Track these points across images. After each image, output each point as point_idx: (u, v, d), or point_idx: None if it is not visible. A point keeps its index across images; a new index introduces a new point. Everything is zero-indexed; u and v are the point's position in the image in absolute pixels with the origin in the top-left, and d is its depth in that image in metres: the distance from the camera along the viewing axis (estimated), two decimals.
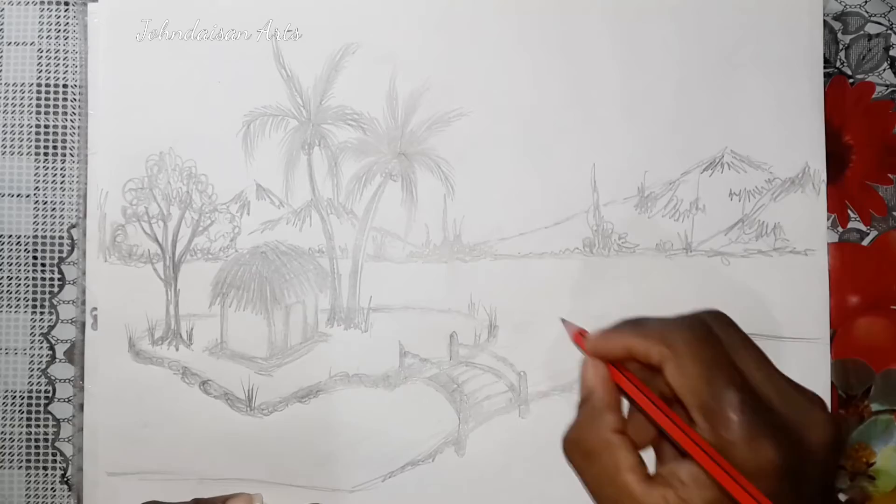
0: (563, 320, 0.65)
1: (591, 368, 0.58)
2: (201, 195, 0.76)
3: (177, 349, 0.76)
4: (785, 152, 0.77)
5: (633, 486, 0.52)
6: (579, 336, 0.61)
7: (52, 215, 0.76)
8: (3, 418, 0.75)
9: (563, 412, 0.75)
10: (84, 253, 0.75)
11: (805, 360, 0.76)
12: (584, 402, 0.57)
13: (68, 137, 0.76)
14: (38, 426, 0.75)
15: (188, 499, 0.66)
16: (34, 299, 0.76)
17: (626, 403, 0.58)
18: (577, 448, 0.56)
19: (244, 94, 0.76)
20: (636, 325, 0.56)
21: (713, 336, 0.53)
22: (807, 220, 0.77)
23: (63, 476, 0.75)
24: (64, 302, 0.76)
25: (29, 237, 0.76)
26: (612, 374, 0.57)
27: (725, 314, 0.56)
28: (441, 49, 0.77)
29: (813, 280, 0.77)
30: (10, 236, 0.76)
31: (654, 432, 0.58)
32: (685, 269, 0.77)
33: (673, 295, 0.77)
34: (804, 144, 0.77)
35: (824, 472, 0.52)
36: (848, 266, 0.78)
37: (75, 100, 0.76)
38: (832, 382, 0.77)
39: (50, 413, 0.75)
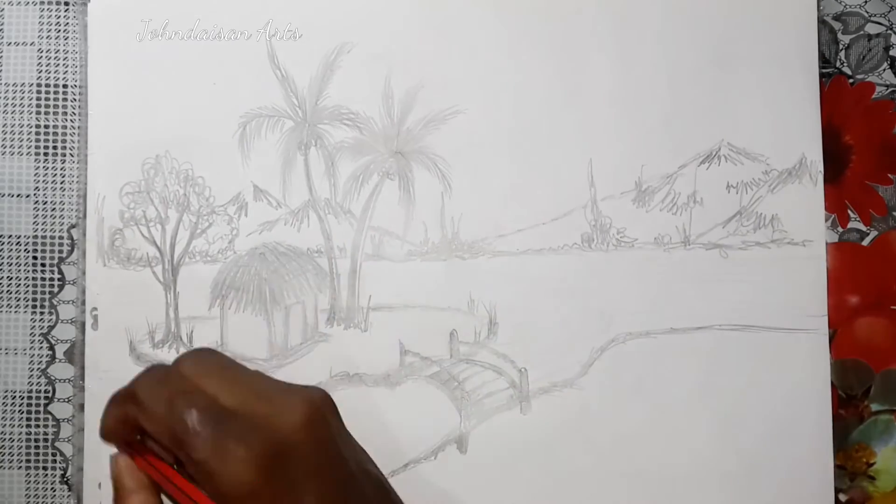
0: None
1: (112, 465, 0.55)
2: (199, 197, 0.76)
3: (177, 352, 0.75)
4: (781, 144, 0.77)
5: None
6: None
7: (52, 215, 0.76)
8: (3, 418, 0.75)
9: (565, 408, 0.76)
10: (84, 253, 0.75)
11: (805, 356, 0.76)
12: (115, 500, 0.54)
13: (68, 137, 0.76)
14: (38, 426, 0.75)
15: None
16: (34, 299, 0.76)
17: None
18: None
19: (239, 95, 0.76)
20: (112, 402, 0.54)
21: (172, 376, 0.52)
22: (804, 211, 0.77)
23: (63, 476, 0.75)
24: (64, 302, 0.76)
25: (29, 237, 0.76)
26: (137, 463, 0.54)
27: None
28: (436, 47, 0.77)
29: (811, 271, 0.77)
30: (10, 236, 0.76)
31: None
32: (684, 263, 0.77)
33: (672, 288, 0.77)
34: (800, 135, 0.77)
35: (316, 449, 0.51)
36: (848, 266, 0.78)
37: (75, 100, 0.77)
38: (832, 382, 0.76)
39: (50, 413, 0.75)
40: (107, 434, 0.54)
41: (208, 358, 0.54)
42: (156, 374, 0.53)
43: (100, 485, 0.74)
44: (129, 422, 0.52)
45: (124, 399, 0.53)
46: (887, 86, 0.79)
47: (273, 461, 0.48)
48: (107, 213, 0.76)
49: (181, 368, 0.53)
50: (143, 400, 0.51)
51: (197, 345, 0.75)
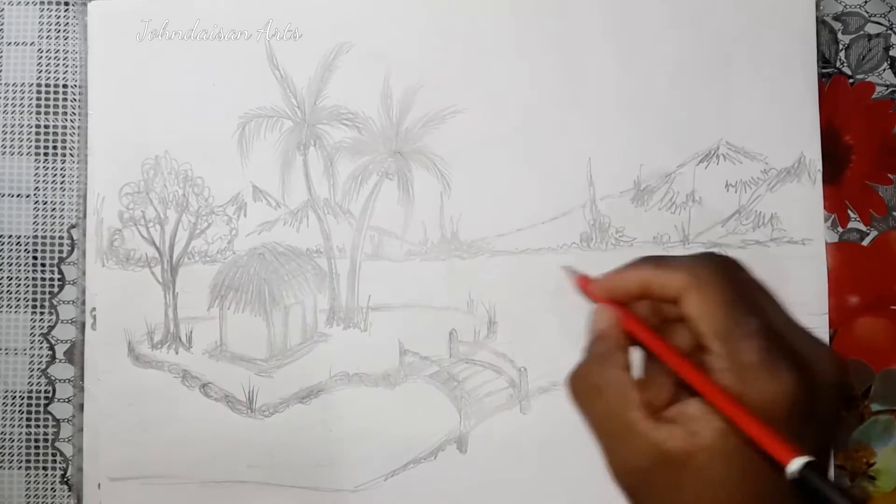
0: (564, 268, 0.63)
1: (600, 313, 0.56)
2: (198, 198, 0.76)
3: (176, 352, 0.76)
4: (780, 142, 0.77)
5: (640, 422, 0.50)
6: (584, 281, 0.59)
7: (52, 215, 0.76)
8: (3, 418, 0.75)
9: (564, 407, 0.75)
10: (84, 253, 0.76)
11: None
12: (593, 344, 0.55)
13: (68, 137, 0.77)
14: (38, 426, 0.76)
15: None
16: (34, 299, 0.76)
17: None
18: (584, 383, 0.54)
19: (238, 95, 0.77)
20: (653, 260, 0.54)
21: (735, 272, 0.52)
22: (803, 209, 0.77)
23: (63, 476, 0.75)
24: (64, 302, 0.76)
25: (29, 237, 0.76)
26: (623, 319, 0.55)
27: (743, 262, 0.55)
28: (435, 46, 0.77)
29: (810, 270, 0.77)
30: (10, 236, 0.76)
31: (670, 392, 0.56)
32: None
33: None
34: (799, 134, 0.77)
35: (829, 413, 0.50)
36: (848, 266, 0.78)
37: (75, 100, 0.77)
38: None
39: (50, 413, 0.76)
40: (615, 287, 0.55)
41: (746, 269, 0.54)
42: (713, 261, 0.52)
43: (99, 485, 0.74)
44: (652, 283, 0.53)
45: (667, 265, 0.53)
46: (887, 86, 0.79)
47: (804, 406, 0.48)
48: (106, 214, 0.76)
49: (737, 271, 0.53)
50: (699, 275, 0.51)
51: (196, 346, 0.76)
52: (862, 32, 0.79)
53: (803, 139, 0.77)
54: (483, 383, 0.76)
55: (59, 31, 0.77)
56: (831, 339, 0.77)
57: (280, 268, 0.76)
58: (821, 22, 0.78)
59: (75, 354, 0.75)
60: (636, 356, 0.54)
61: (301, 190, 0.77)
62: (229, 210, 0.76)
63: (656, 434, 0.49)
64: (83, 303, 0.75)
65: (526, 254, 0.76)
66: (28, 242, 0.76)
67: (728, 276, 0.51)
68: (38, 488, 0.75)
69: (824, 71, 0.78)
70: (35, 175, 0.76)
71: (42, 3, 0.77)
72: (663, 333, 0.54)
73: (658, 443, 0.49)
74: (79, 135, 0.76)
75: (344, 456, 0.75)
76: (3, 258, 0.76)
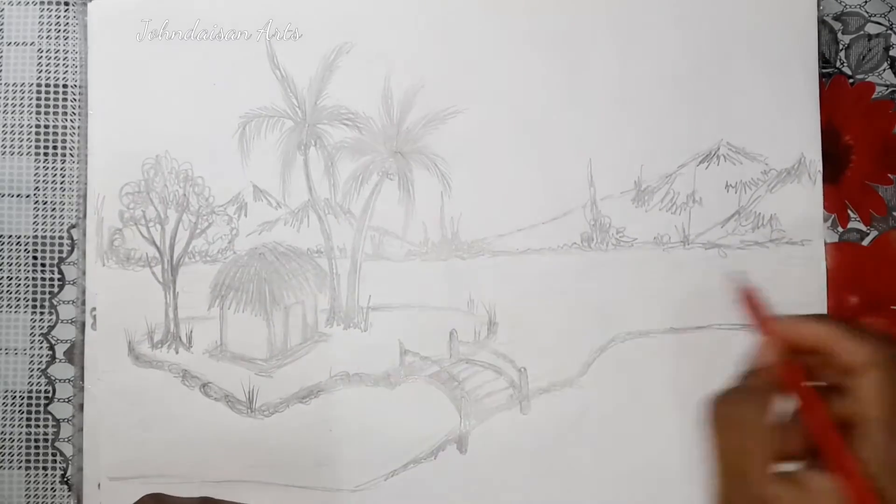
0: (733, 275, 0.61)
1: (768, 348, 0.55)
2: (198, 198, 0.76)
3: (177, 352, 0.76)
4: (780, 143, 0.77)
5: (762, 470, 0.50)
6: (751, 297, 0.58)
7: (52, 215, 0.76)
8: (3, 418, 0.75)
9: (564, 407, 0.76)
10: (84, 253, 0.76)
11: None
12: (748, 376, 0.55)
13: (68, 137, 0.77)
14: (38, 426, 0.75)
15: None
16: (34, 299, 0.76)
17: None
18: (727, 413, 0.53)
19: (239, 95, 0.77)
20: (839, 323, 0.53)
21: None
22: (803, 210, 0.77)
23: (63, 476, 0.75)
24: (64, 302, 0.76)
25: (29, 237, 0.76)
26: (787, 366, 0.54)
27: None
28: (435, 46, 0.77)
29: (810, 271, 0.77)
30: (10, 236, 0.76)
31: (802, 447, 0.55)
32: (683, 262, 0.77)
33: (671, 288, 0.77)
34: (799, 135, 0.77)
35: None
36: (848, 266, 0.78)
37: (75, 100, 0.77)
38: None
39: (50, 413, 0.76)
40: (792, 333, 0.55)
41: None
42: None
43: (99, 485, 0.74)
44: (834, 345, 0.52)
45: (856, 334, 0.52)
46: (887, 86, 0.79)
47: None
48: (106, 214, 0.76)
49: None
50: (887, 357, 0.50)
51: (196, 346, 0.76)
52: (862, 32, 0.79)
53: (803, 140, 0.77)
54: (483, 383, 0.76)
55: (59, 31, 0.77)
56: None
57: (280, 268, 0.76)
58: (821, 22, 0.78)
59: (75, 354, 0.75)
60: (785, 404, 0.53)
61: (302, 190, 0.77)
62: (230, 210, 0.76)
63: (774, 488, 0.49)
64: (83, 303, 0.75)
65: (526, 254, 0.76)
66: (28, 242, 0.76)
67: None
68: (38, 488, 0.75)
69: (824, 71, 0.78)
70: (35, 175, 0.76)
71: (42, 3, 0.77)
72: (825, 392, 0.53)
73: (771, 499, 0.49)
74: (79, 135, 0.76)
75: (344, 456, 0.75)
76: (3, 258, 0.76)
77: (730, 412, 0.53)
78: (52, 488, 0.75)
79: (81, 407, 0.75)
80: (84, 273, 0.75)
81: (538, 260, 0.76)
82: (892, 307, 0.78)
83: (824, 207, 0.77)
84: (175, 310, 0.76)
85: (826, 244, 0.77)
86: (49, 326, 0.76)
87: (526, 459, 0.75)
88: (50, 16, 0.77)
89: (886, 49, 0.79)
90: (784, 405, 0.53)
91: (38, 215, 0.76)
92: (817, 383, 0.53)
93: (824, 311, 0.76)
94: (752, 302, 0.58)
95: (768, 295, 0.76)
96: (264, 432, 0.75)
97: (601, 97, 0.77)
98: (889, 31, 0.79)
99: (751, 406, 0.52)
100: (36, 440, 0.75)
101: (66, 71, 0.77)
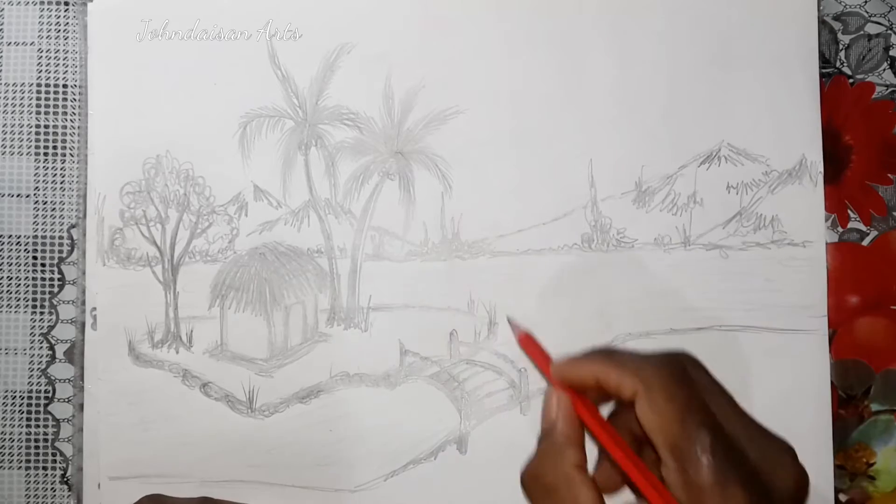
0: (509, 319, 0.65)
1: (553, 399, 0.56)
2: (199, 197, 0.76)
3: (177, 352, 0.76)
4: (782, 144, 0.77)
5: None
6: (526, 339, 0.61)
7: (52, 215, 0.76)
8: (3, 418, 0.75)
9: None
10: (84, 253, 0.75)
11: (805, 356, 0.76)
12: (546, 436, 0.56)
13: (68, 137, 0.77)
14: (38, 426, 0.75)
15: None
16: (34, 299, 0.76)
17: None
18: (536, 483, 0.55)
19: (240, 95, 0.77)
20: (608, 356, 0.55)
21: (687, 376, 0.52)
22: (804, 212, 0.77)
23: (63, 476, 0.75)
24: (64, 302, 0.76)
25: (29, 237, 0.76)
26: (575, 406, 0.55)
27: (697, 358, 0.55)
28: (436, 47, 0.77)
29: (811, 272, 0.77)
30: (10, 236, 0.76)
31: (621, 482, 0.56)
32: (684, 263, 0.77)
33: (672, 289, 0.77)
34: (801, 136, 0.77)
35: None
36: (848, 266, 0.78)
37: (75, 100, 0.77)
38: (832, 382, 0.76)
39: (50, 413, 0.76)
40: (570, 376, 0.56)
41: (704, 370, 0.55)
42: (668, 365, 0.53)
43: (99, 485, 0.74)
44: (605, 381, 0.53)
45: (620, 366, 0.53)
46: (887, 86, 0.79)
47: None
48: (107, 213, 0.76)
49: (690, 372, 0.53)
50: (651, 382, 0.51)
51: (197, 346, 0.76)
52: (862, 32, 0.79)
53: (804, 141, 0.77)
54: (483, 384, 0.76)
55: (59, 31, 0.77)
56: (831, 339, 0.77)
57: (281, 267, 0.76)
58: (821, 22, 0.78)
59: (75, 354, 0.75)
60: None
61: (302, 190, 0.76)
62: (230, 209, 0.76)
63: None
64: (83, 303, 0.75)
65: (527, 255, 0.76)
66: (28, 242, 0.76)
67: (680, 381, 0.52)
68: (38, 488, 0.75)
69: (824, 71, 0.78)
70: (35, 175, 0.76)
71: (42, 3, 0.77)
72: (623, 413, 0.55)
73: None
74: (79, 135, 0.76)
75: (344, 456, 0.75)
76: (3, 258, 0.76)
77: (540, 483, 0.55)
78: (52, 488, 0.75)
79: (81, 407, 0.75)
80: (84, 273, 0.75)
81: (539, 261, 0.76)
82: (892, 307, 0.78)
83: (825, 208, 0.77)
84: (175, 309, 0.76)
85: (826, 244, 0.77)
86: (49, 326, 0.76)
87: (525, 460, 0.75)
88: (50, 16, 0.77)
89: (886, 49, 0.79)
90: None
91: (38, 215, 0.76)
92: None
93: (825, 312, 0.77)
94: (530, 346, 0.60)
95: (770, 296, 0.77)
96: (264, 432, 0.75)
97: (602, 97, 0.77)
98: (889, 31, 0.79)
99: (556, 467, 0.54)
100: (36, 440, 0.75)
101: (66, 71, 0.77)
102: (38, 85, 0.77)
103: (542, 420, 0.57)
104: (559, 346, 0.75)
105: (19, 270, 0.76)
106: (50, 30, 0.77)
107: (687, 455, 0.49)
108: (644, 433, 0.51)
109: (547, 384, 0.59)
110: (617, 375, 0.52)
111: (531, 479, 0.55)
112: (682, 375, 0.52)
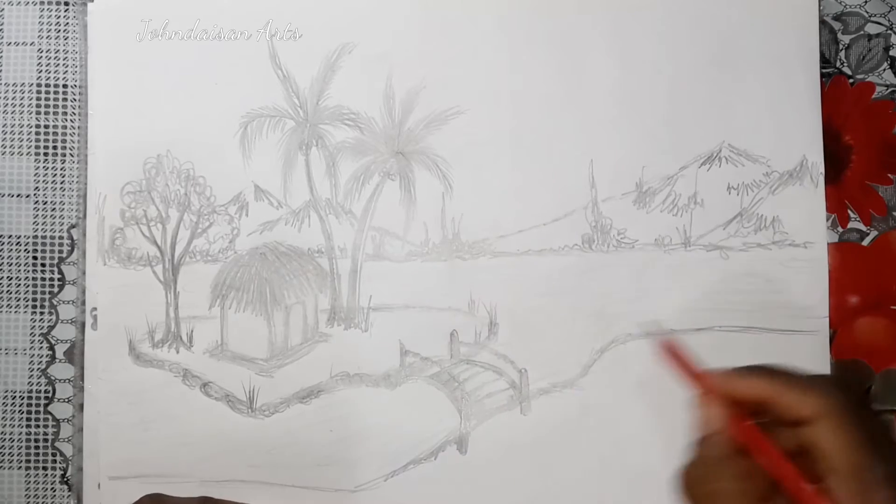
0: (652, 331, 0.64)
1: (712, 413, 0.56)
2: (199, 197, 0.76)
3: (177, 352, 0.76)
4: (782, 145, 0.77)
5: None
6: (670, 347, 0.59)
7: (52, 215, 0.76)
8: (3, 418, 0.75)
9: (565, 408, 0.76)
10: (84, 253, 0.75)
11: (805, 357, 0.76)
12: (706, 444, 0.56)
13: (68, 137, 0.76)
14: (38, 426, 0.75)
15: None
16: (34, 299, 0.76)
17: None
18: (700, 487, 0.54)
19: (241, 95, 0.77)
20: (780, 375, 0.54)
21: (862, 401, 0.52)
22: (805, 212, 0.78)
23: (63, 476, 0.75)
24: (64, 302, 0.76)
25: (29, 237, 0.76)
26: (738, 428, 0.55)
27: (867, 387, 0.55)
28: (437, 47, 0.77)
29: (812, 273, 0.77)
30: (10, 236, 0.76)
31: (765, 490, 0.56)
32: (684, 264, 0.77)
33: (672, 290, 0.77)
34: (801, 137, 0.78)
35: None
36: (848, 266, 0.78)
37: (75, 100, 0.77)
38: None
39: (50, 413, 0.76)
40: (732, 390, 0.55)
41: (871, 406, 0.55)
42: (849, 389, 0.53)
43: (99, 485, 0.74)
44: (778, 400, 0.53)
45: (798, 386, 0.53)
46: (887, 86, 0.79)
47: None
48: (108, 213, 0.76)
49: (868, 405, 0.53)
50: (835, 405, 0.51)
51: (197, 346, 0.76)
52: (862, 32, 0.79)
53: (805, 142, 0.77)
54: (483, 384, 0.76)
55: (59, 31, 0.77)
56: (831, 339, 0.77)
57: (281, 267, 0.76)
58: (821, 22, 0.78)
59: (75, 354, 0.75)
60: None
61: (303, 190, 0.76)
62: (231, 209, 0.76)
63: None
64: (83, 303, 0.75)
65: (527, 255, 0.76)
66: (28, 242, 0.76)
67: (860, 409, 0.51)
68: (38, 488, 0.75)
69: (824, 71, 0.78)
70: (35, 175, 0.76)
71: (42, 3, 0.77)
72: (776, 428, 0.54)
73: None
74: (79, 135, 0.76)
75: (344, 456, 0.75)
76: (3, 258, 0.76)
77: (704, 487, 0.54)
78: (52, 488, 0.75)
79: (81, 407, 0.75)
80: (84, 273, 0.75)
81: (539, 261, 0.76)
82: (892, 307, 0.78)
83: (825, 209, 0.78)
84: (176, 309, 0.76)
85: (826, 244, 0.77)
86: (49, 326, 0.76)
87: (526, 460, 0.75)
88: (50, 16, 0.77)
89: (886, 49, 0.79)
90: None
91: (38, 215, 0.76)
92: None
93: (826, 313, 0.77)
94: (678, 358, 0.59)
95: (770, 296, 0.77)
96: (264, 432, 0.75)
97: (602, 98, 0.77)
98: (889, 31, 0.79)
99: (721, 475, 0.53)
100: (36, 440, 0.75)
101: (66, 71, 0.77)
102: (38, 85, 0.77)
103: (699, 427, 0.56)
104: (559, 345, 0.76)
105: (19, 270, 0.76)
106: (50, 30, 0.77)
107: (868, 483, 0.49)
108: (804, 454, 0.51)
109: (697, 392, 0.57)
110: (797, 395, 0.52)
111: (694, 483, 0.55)
112: (866, 401, 0.52)
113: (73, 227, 0.76)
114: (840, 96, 0.79)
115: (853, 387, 0.52)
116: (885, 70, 0.79)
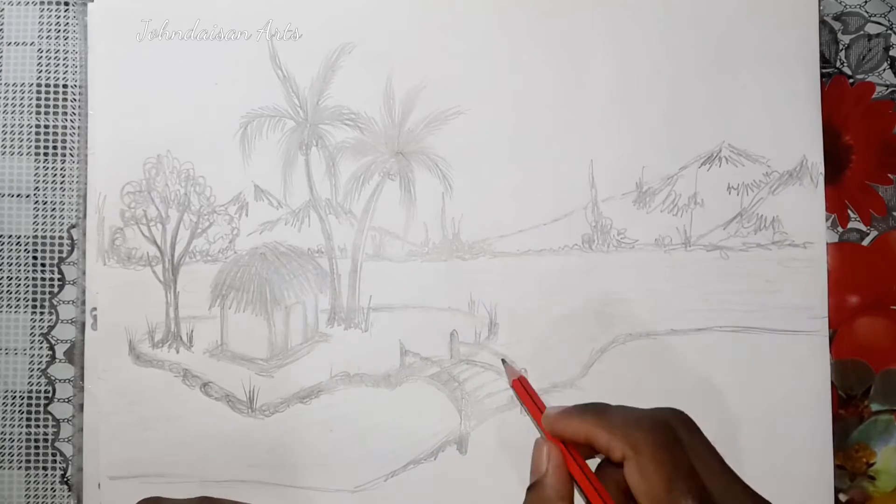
0: (504, 361, 0.66)
1: (545, 451, 0.57)
2: (199, 197, 0.76)
3: (177, 351, 0.76)
4: (782, 145, 0.77)
5: None
6: (519, 384, 0.62)
7: (52, 215, 0.76)
8: (3, 418, 0.75)
9: None
10: (84, 253, 0.75)
11: (805, 357, 0.76)
12: (536, 487, 0.57)
13: (68, 137, 0.76)
14: (38, 426, 0.75)
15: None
16: (34, 299, 0.76)
17: None
18: None
19: (241, 95, 0.77)
20: (600, 414, 0.56)
21: (677, 440, 0.53)
22: (805, 212, 0.77)
23: (63, 476, 0.75)
24: (64, 302, 0.76)
25: (29, 237, 0.76)
26: (566, 460, 0.56)
27: (689, 417, 0.55)
28: (437, 47, 0.77)
29: (812, 273, 0.77)
30: (10, 236, 0.76)
31: None
32: (684, 264, 0.77)
33: (672, 290, 0.77)
34: (801, 137, 0.78)
35: None
36: (848, 266, 0.78)
37: (75, 100, 0.77)
38: (832, 382, 0.76)
39: (50, 413, 0.76)
40: (562, 430, 0.57)
41: (696, 431, 0.55)
42: (657, 429, 0.53)
43: (99, 485, 0.74)
44: (596, 442, 0.54)
45: (611, 427, 0.54)
46: (887, 86, 0.79)
47: None
48: (107, 213, 0.76)
49: (680, 435, 0.53)
50: (640, 447, 0.52)
51: (197, 346, 0.76)
52: (862, 32, 0.79)
53: (805, 142, 0.77)
54: (484, 384, 0.76)
55: (59, 31, 0.77)
56: (831, 338, 0.77)
57: (281, 267, 0.76)
58: (821, 22, 0.78)
59: (75, 354, 0.75)
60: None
61: (303, 190, 0.76)
62: (231, 209, 0.76)
63: None
64: (83, 303, 0.75)
65: (528, 255, 0.76)
66: (28, 242, 0.76)
67: (669, 447, 0.52)
68: (38, 488, 0.75)
69: (824, 71, 0.78)
70: (35, 175, 0.76)
71: (42, 3, 0.77)
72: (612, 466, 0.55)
73: None
74: (79, 135, 0.76)
75: (344, 456, 0.75)
76: (3, 258, 0.76)
77: None
78: (52, 488, 0.75)
79: (81, 407, 0.75)
80: (84, 273, 0.75)
81: (539, 261, 0.76)
82: (892, 307, 0.78)
83: (825, 209, 0.78)
84: (176, 309, 0.76)
85: (826, 244, 0.77)
86: (49, 326, 0.76)
87: (526, 460, 0.75)
88: (50, 16, 0.77)
89: (886, 49, 0.79)
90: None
91: (38, 215, 0.76)
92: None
93: (825, 313, 0.77)
94: (523, 392, 0.61)
95: (770, 296, 0.77)
96: (265, 432, 0.75)
97: (602, 98, 0.77)
98: (889, 31, 0.79)
99: None
100: (36, 440, 0.75)
101: (66, 71, 0.77)
102: (38, 85, 0.77)
103: (532, 470, 0.58)
104: (559, 345, 0.76)
105: (19, 270, 0.76)
106: (50, 30, 0.77)
107: None
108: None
109: (539, 433, 0.60)
110: (607, 438, 0.53)
111: None
112: (672, 440, 0.53)
113: (73, 227, 0.76)
114: (840, 96, 0.79)
115: (660, 425, 0.53)
116: (885, 70, 0.79)
